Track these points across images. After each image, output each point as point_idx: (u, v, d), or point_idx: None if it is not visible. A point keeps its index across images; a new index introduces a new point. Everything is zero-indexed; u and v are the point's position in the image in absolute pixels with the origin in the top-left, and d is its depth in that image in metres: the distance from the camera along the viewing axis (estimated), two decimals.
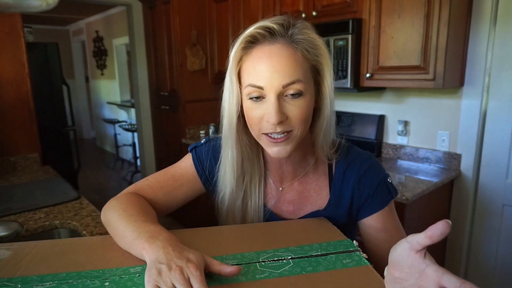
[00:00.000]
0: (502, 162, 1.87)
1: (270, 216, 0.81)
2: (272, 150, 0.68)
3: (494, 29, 1.81)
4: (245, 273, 0.56)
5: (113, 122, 5.80)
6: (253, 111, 0.67)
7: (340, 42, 2.02)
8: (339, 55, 2.04)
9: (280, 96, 0.64)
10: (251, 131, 0.71)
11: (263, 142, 0.69)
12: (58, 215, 1.38)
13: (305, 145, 0.77)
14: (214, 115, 3.31)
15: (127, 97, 6.02)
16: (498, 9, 1.78)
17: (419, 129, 2.16)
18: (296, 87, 0.63)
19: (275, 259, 0.60)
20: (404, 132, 2.21)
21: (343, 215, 0.79)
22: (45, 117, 2.86)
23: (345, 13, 2.07)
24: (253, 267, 0.58)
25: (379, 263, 0.74)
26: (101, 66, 6.42)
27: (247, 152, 0.76)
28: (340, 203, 0.79)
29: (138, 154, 4.51)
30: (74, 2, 4.00)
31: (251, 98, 0.66)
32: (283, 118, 0.64)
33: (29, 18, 5.25)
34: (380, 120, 2.28)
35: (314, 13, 2.21)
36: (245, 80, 0.67)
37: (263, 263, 0.59)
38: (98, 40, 6.24)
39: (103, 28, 6.04)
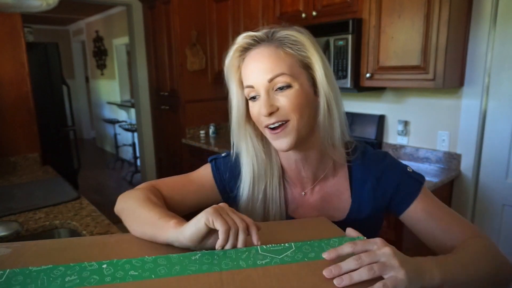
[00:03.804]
0: (502, 162, 1.87)
1: None
2: (275, 144, 0.72)
3: (494, 29, 1.81)
4: (246, 258, 0.55)
5: (113, 122, 5.79)
6: (253, 109, 0.73)
7: (340, 42, 2.02)
8: (339, 55, 2.04)
9: (270, 91, 0.69)
10: (260, 130, 0.75)
11: (268, 136, 0.73)
12: (58, 215, 1.38)
13: (320, 146, 0.77)
14: (214, 115, 3.31)
15: (127, 97, 6.02)
16: (498, 9, 1.78)
17: (419, 129, 2.16)
18: (281, 79, 0.68)
19: (276, 243, 0.59)
20: (404, 132, 2.21)
21: (366, 218, 0.79)
22: (45, 117, 2.86)
23: (345, 13, 2.07)
24: (254, 251, 0.57)
25: (439, 249, 0.73)
26: (101, 66, 6.42)
27: (261, 157, 0.78)
28: (362, 206, 0.79)
29: (138, 154, 4.51)
30: (74, 2, 4.00)
31: (250, 99, 0.73)
32: (273, 109, 0.69)
33: (29, 18, 5.24)
34: (380, 120, 2.28)
35: (314, 13, 2.21)
36: (244, 84, 0.73)
37: (264, 247, 0.58)
38: (98, 40, 6.24)
39: (103, 28, 6.04)
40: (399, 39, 1.85)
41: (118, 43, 5.65)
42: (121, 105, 5.82)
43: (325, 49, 2.09)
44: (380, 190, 0.77)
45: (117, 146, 5.82)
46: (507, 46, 1.78)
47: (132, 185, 4.68)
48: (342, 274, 0.51)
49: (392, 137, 2.29)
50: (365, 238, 0.61)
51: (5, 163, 2.07)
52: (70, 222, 1.33)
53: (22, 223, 1.30)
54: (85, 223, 1.30)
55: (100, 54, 6.32)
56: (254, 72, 0.70)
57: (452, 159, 2.02)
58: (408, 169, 0.78)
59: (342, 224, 0.73)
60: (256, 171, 0.78)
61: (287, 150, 0.71)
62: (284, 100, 0.68)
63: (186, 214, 0.85)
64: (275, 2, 2.46)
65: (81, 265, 0.54)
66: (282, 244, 0.58)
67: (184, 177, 0.86)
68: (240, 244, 0.56)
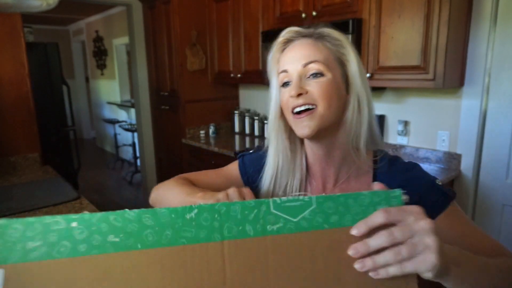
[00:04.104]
0: (502, 162, 1.87)
1: None
2: (298, 129, 0.72)
3: (494, 29, 1.81)
4: (254, 220, 0.46)
5: (113, 122, 5.80)
6: (284, 96, 0.74)
7: None
8: None
9: (303, 76, 0.71)
10: (286, 118, 0.75)
11: (292, 122, 0.73)
12: (58, 215, 1.38)
13: (344, 146, 0.76)
14: (214, 115, 3.31)
15: (127, 97, 6.02)
16: (498, 9, 1.78)
17: (419, 129, 2.16)
18: (315, 66, 0.70)
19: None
20: (404, 132, 2.21)
21: None
22: (45, 117, 2.86)
23: (345, 13, 2.07)
24: (265, 208, 0.46)
25: None
26: (101, 66, 6.42)
27: (287, 154, 0.79)
28: None
29: (138, 154, 4.51)
30: (74, 2, 4.00)
31: (282, 85, 0.74)
32: (302, 91, 0.70)
33: (29, 18, 5.24)
34: (380, 120, 2.28)
35: (314, 13, 2.21)
36: (279, 70, 0.75)
37: (277, 201, 0.46)
38: (98, 40, 6.24)
39: (103, 28, 6.04)
40: (399, 39, 1.85)
41: (118, 43, 5.65)
42: (121, 105, 5.82)
43: None
44: None
45: (117, 146, 5.82)
46: (507, 46, 1.78)
47: (132, 185, 4.68)
48: (369, 254, 0.46)
49: (392, 137, 2.29)
50: (403, 191, 0.51)
51: (5, 163, 2.07)
52: None
53: None
54: None
55: (100, 54, 6.32)
56: (290, 58, 0.73)
57: (452, 159, 2.02)
58: (436, 182, 0.74)
59: None
60: (279, 166, 0.80)
61: (308, 136, 0.71)
62: (314, 85, 0.70)
63: None
64: (275, 2, 2.46)
65: (43, 222, 0.42)
66: (301, 198, 0.47)
67: (213, 171, 0.92)
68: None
